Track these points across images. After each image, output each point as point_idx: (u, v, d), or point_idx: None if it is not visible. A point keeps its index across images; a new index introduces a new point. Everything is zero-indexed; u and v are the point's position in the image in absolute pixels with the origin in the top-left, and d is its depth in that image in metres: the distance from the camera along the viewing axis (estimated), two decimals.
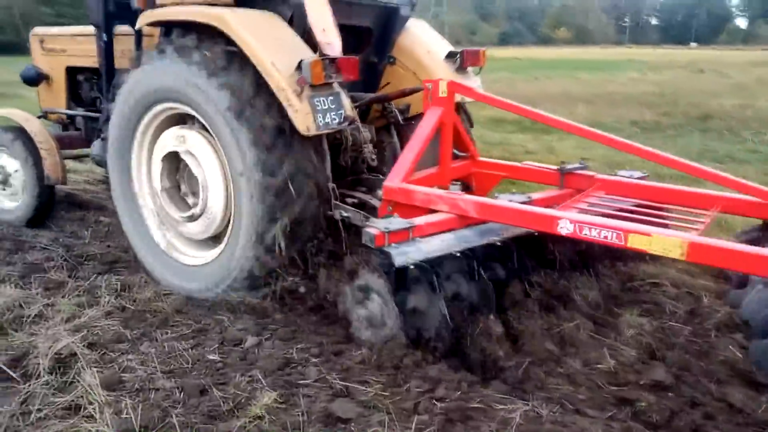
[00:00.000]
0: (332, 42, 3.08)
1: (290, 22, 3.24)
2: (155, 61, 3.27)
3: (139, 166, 3.65)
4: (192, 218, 3.43)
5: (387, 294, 2.60)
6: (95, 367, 2.54)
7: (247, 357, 2.69)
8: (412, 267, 2.58)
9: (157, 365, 2.59)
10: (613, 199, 3.23)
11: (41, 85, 4.95)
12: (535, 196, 3.24)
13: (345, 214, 3.12)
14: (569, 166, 3.56)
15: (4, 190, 4.70)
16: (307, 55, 3.03)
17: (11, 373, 2.56)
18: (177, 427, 2.17)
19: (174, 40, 3.26)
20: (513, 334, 2.78)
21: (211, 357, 2.69)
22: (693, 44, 71.81)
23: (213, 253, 3.37)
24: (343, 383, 2.43)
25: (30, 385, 2.47)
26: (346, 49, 3.35)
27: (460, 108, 3.96)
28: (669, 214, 3.07)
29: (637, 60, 31.65)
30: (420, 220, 2.87)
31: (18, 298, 3.18)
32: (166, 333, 2.92)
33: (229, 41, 3.01)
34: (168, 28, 3.39)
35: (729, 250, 2.27)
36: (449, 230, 2.89)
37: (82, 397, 2.35)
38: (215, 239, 3.43)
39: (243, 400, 2.33)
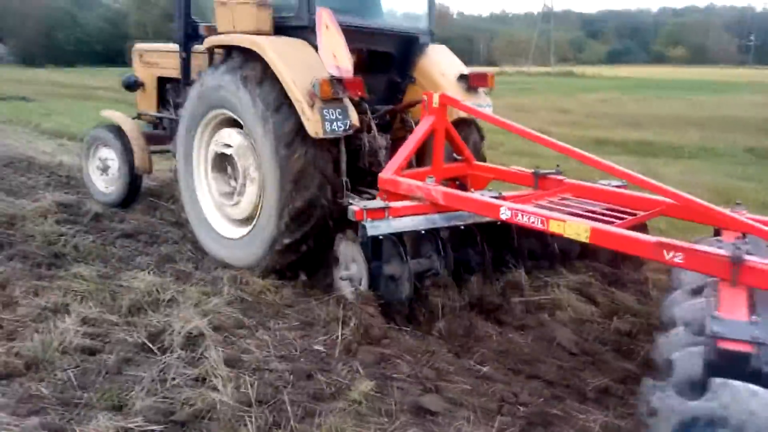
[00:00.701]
0: (341, 65, 3.70)
1: (317, 48, 3.83)
2: (212, 75, 4.03)
3: (198, 159, 4.39)
4: (234, 202, 4.14)
5: (362, 258, 3.33)
6: (220, 346, 2.93)
7: (349, 350, 2.98)
8: (381, 237, 3.25)
9: (271, 350, 2.95)
10: (570, 199, 3.68)
11: (138, 91, 5.81)
12: (507, 193, 3.65)
13: (351, 202, 3.62)
14: (542, 171, 4.06)
15: (103, 176, 5.61)
16: (323, 74, 3.63)
17: (151, 346, 3.00)
18: (287, 403, 2.49)
19: (226, 60, 4.00)
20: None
21: (317, 347, 3.02)
22: None
23: (246, 229, 4.07)
24: (433, 381, 2.66)
25: (166, 357, 2.89)
26: (373, 69, 4.36)
27: (472, 124, 4.57)
28: (605, 212, 3.40)
29: (761, 82, 29.51)
30: (397, 204, 3.51)
31: (155, 284, 3.65)
32: (279, 323, 3.29)
33: (264, 62, 3.69)
34: (224, 49, 4.10)
35: (616, 234, 2.77)
36: (423, 214, 3.53)
37: (207, 370, 2.73)
38: (249, 219, 4.08)
39: (343, 387, 2.63)
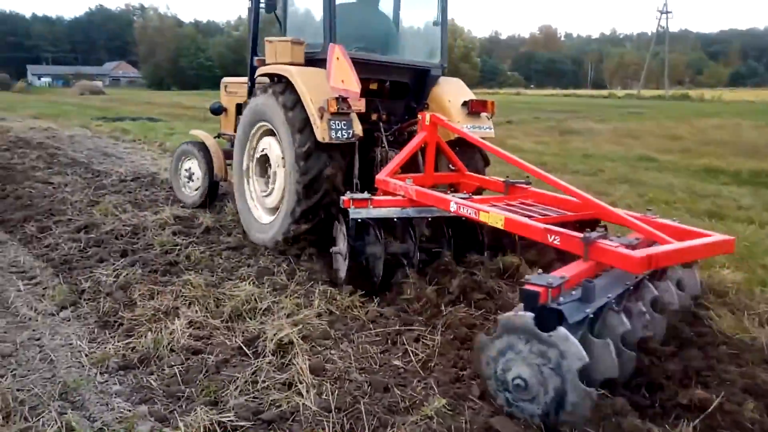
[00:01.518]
0: (348, 89, 4.53)
1: None
2: (260, 95, 5.09)
3: (246, 161, 5.48)
4: (268, 194, 5.17)
5: (344, 237, 4.23)
6: (306, 355, 3.16)
7: (425, 368, 3.10)
8: (359, 221, 4.06)
9: (352, 361, 3.13)
10: (526, 202, 4.43)
11: (222, 115, 6.83)
12: (476, 197, 4.42)
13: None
14: (512, 181, 4.78)
15: (189, 182, 6.75)
16: (333, 95, 4.50)
17: (246, 350, 3.29)
18: (363, 413, 2.65)
19: (270, 84, 5.03)
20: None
21: (395, 362, 3.17)
22: None
23: (273, 217, 5.11)
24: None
25: (258, 361, 3.15)
26: (393, 96, 5.50)
27: (475, 148, 5.19)
28: (541, 212, 4.08)
29: None
30: (379, 197, 4.34)
31: (254, 294, 3.98)
32: (362, 337, 3.47)
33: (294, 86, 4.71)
34: (269, 76, 5.12)
35: (519, 222, 3.51)
36: (399, 206, 4.29)
37: (294, 376, 2.96)
38: (275, 209, 5.10)
39: (417, 402, 2.75)
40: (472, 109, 5.28)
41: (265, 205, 5.29)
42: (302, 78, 4.70)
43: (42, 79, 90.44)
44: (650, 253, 2.93)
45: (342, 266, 4.30)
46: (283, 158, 4.85)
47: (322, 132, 4.49)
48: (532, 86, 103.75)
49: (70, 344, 3.38)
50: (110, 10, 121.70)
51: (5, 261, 4.78)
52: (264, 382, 2.95)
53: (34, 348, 3.33)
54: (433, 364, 3.12)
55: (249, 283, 4.23)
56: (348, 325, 3.65)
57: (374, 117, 5.27)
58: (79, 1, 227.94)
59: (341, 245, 4.34)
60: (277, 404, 2.74)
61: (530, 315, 2.58)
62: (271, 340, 3.31)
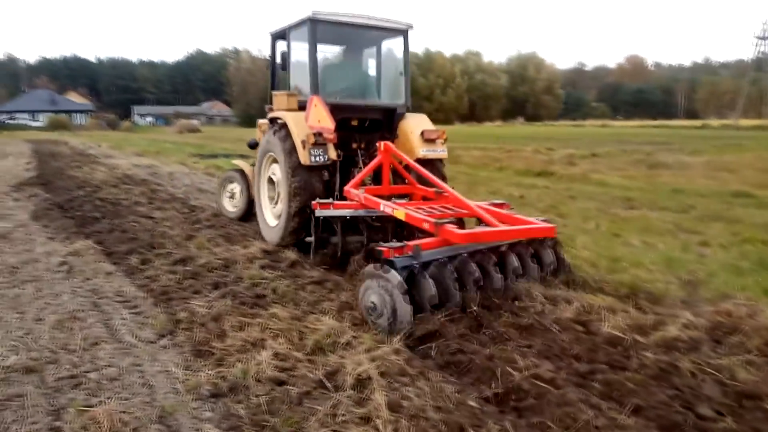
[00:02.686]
0: (324, 126, 6.13)
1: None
2: (268, 134, 6.88)
3: (262, 181, 7.27)
4: (275, 205, 6.98)
5: (313, 231, 6.02)
6: (384, 391, 3.25)
7: (501, 410, 3.11)
8: (323, 218, 5.84)
9: (428, 399, 3.19)
10: (443, 205, 5.73)
11: (257, 149, 7.83)
12: (402, 200, 5.88)
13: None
14: (439, 190, 6.04)
15: (231, 200, 8.58)
16: (311, 132, 6.15)
17: (327, 383, 3.43)
18: None
19: (273, 125, 6.84)
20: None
21: (471, 403, 3.19)
22: None
23: (277, 221, 6.76)
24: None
25: (338, 395, 3.28)
26: (369, 129, 7.04)
27: (435, 162, 6.74)
28: (445, 211, 5.44)
29: None
30: (339, 202, 6.01)
31: (335, 328, 4.13)
32: (438, 375, 3.52)
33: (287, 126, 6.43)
34: (273, 119, 6.93)
35: (412, 216, 5.06)
36: (354, 209, 5.83)
37: (372, 411, 3.05)
38: (279, 216, 6.69)
39: None
40: (426, 137, 6.70)
41: (272, 212, 7.06)
42: (293, 120, 6.37)
43: (145, 118, 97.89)
44: (471, 232, 4.75)
45: (311, 250, 6.08)
46: (282, 180, 6.54)
47: (303, 158, 6.15)
48: (619, 117, 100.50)
49: (168, 371, 3.65)
50: (207, 53, 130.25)
51: (112, 290, 5.23)
52: (343, 415, 3.06)
53: (136, 373, 3.62)
54: (508, 407, 3.12)
55: (330, 317, 4.40)
56: (425, 362, 3.71)
57: (354, 145, 6.91)
58: (180, 46, 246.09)
59: (312, 237, 6.05)
60: None
61: (377, 265, 4.27)
62: (351, 374, 3.43)
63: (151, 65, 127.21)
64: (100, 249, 6.63)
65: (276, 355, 3.77)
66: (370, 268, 4.34)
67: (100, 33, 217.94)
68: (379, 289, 4.15)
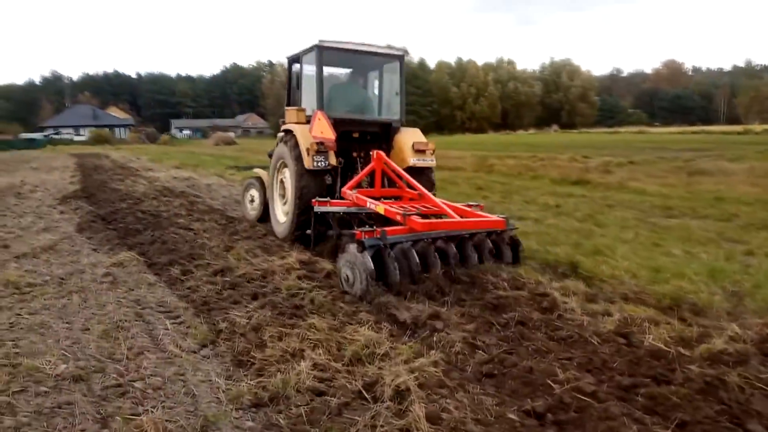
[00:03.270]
0: (325, 137, 7.20)
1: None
2: (280, 143, 8.03)
3: (275, 184, 8.38)
4: (284, 204, 8.09)
5: (312, 225, 7.29)
6: (423, 402, 3.24)
7: (541, 423, 3.07)
8: (319, 213, 7.00)
9: (467, 412, 3.17)
10: (419, 204, 6.62)
11: None
12: (387, 200, 6.96)
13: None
14: (420, 192, 6.90)
15: (252, 204, 9.53)
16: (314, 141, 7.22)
17: (366, 394, 3.44)
18: None
19: (284, 137, 7.91)
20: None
21: (511, 416, 3.16)
22: None
23: (286, 218, 7.88)
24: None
25: (377, 406, 3.29)
26: (369, 141, 8.01)
27: (423, 171, 7.68)
28: (416, 208, 6.17)
29: None
30: (335, 200, 7.09)
31: (372, 339, 4.15)
32: (477, 388, 3.50)
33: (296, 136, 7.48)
34: (285, 131, 7.95)
35: (389, 210, 6.01)
36: (347, 206, 6.87)
37: (411, 423, 3.05)
38: (288, 213, 7.76)
39: None
40: (416, 149, 7.64)
41: (282, 210, 8.21)
42: (300, 131, 7.43)
43: (183, 131, 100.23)
44: (430, 221, 5.96)
45: (311, 240, 7.35)
46: (290, 183, 7.66)
47: (307, 163, 7.15)
48: (656, 124, 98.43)
49: (210, 380, 3.72)
50: (242, 67, 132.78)
51: (154, 300, 5.37)
52: (382, 426, 3.07)
53: (179, 382, 3.70)
54: (547, 422, 3.08)
55: (368, 328, 4.41)
56: (463, 374, 3.70)
57: (354, 154, 7.99)
58: (216, 60, 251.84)
59: (312, 229, 7.30)
60: None
61: (354, 245, 5.43)
62: (389, 385, 3.44)
63: (188, 80, 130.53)
64: (142, 260, 6.81)
65: (315, 365, 3.80)
66: (346, 247, 5.58)
67: (141, 49, 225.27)
68: (352, 265, 5.34)
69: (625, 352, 3.94)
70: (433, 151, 7.78)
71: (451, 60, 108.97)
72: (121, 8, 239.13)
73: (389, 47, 8.08)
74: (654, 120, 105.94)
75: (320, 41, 7.43)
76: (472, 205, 6.70)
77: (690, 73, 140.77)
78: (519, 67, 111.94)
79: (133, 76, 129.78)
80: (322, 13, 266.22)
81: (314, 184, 7.25)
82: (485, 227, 6.19)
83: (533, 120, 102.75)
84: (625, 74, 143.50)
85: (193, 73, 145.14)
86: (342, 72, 8.86)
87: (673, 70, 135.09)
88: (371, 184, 7.54)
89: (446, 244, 5.96)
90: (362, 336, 4.21)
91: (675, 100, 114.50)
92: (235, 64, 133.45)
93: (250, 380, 3.66)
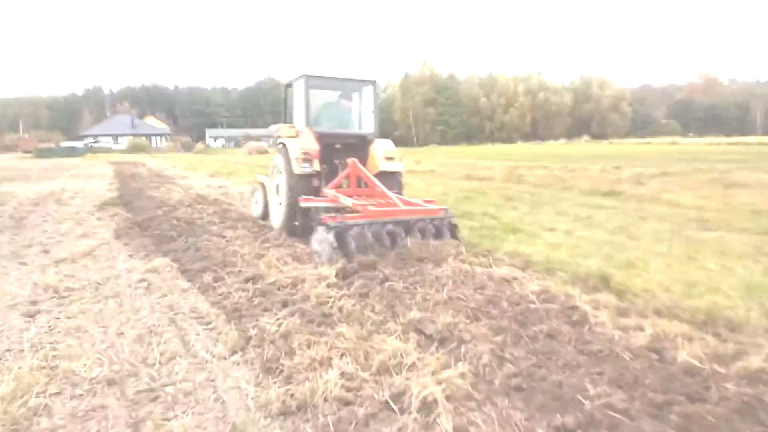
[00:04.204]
0: (310, 148, 8.71)
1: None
2: (277, 153, 9.59)
3: (273, 185, 9.81)
4: (279, 202, 9.35)
5: (299, 218, 8.83)
6: (450, 415, 3.23)
7: None
8: (304, 206, 8.53)
9: (495, 426, 3.15)
10: (388, 201, 8.08)
11: None
12: (359, 198, 8.29)
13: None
14: (381, 190, 8.43)
15: (256, 205, 11.12)
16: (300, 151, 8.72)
17: (393, 405, 3.44)
18: None
19: (278, 148, 9.50)
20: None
21: (539, 431, 3.12)
22: None
23: (280, 211, 9.26)
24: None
25: (403, 417, 3.29)
26: (348, 152, 9.30)
27: (394, 175, 9.19)
28: (379, 202, 8.00)
29: None
30: (318, 198, 8.57)
31: (400, 349, 4.15)
32: (505, 401, 3.47)
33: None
34: (280, 143, 9.40)
35: (355, 203, 7.82)
36: (327, 203, 8.34)
37: None
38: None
39: None
40: (386, 156, 9.14)
41: (278, 207, 9.54)
42: (290, 144, 8.99)
43: (217, 140, 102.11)
44: (379, 210, 7.49)
45: (299, 231, 8.66)
46: (284, 185, 9.03)
47: (296, 169, 8.64)
48: (690, 134, 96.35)
49: (239, 387, 3.77)
50: (275, 79, 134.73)
51: (187, 306, 5.47)
52: None
53: (209, 388, 3.77)
54: None
55: (395, 338, 4.42)
56: (490, 387, 3.67)
57: (336, 162, 9.30)
58: (250, 73, 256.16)
59: (298, 221, 8.71)
60: None
61: (322, 227, 6.95)
62: (416, 397, 3.44)
63: (223, 91, 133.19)
64: (176, 267, 6.95)
65: (342, 374, 3.82)
66: (317, 228, 7.19)
67: (179, 63, 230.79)
68: (320, 242, 6.97)
69: (657, 368, 3.86)
70: (401, 158, 9.47)
71: (482, 73, 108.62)
72: (161, 25, 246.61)
73: (362, 75, 9.87)
74: (688, 131, 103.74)
75: (306, 72, 9.24)
76: (427, 201, 8.46)
77: (726, 83, 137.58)
78: (549, 80, 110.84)
79: (171, 87, 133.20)
80: (354, 27, 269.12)
81: (301, 185, 8.77)
82: (426, 214, 7.75)
83: (563, 130, 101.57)
84: (657, 86, 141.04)
85: (228, 86, 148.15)
86: (326, 94, 10.58)
87: (708, 82, 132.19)
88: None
89: (395, 227, 7.36)
90: (390, 346, 4.21)
91: (710, 110, 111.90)
92: (269, 77, 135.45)
93: (279, 388, 3.69)
